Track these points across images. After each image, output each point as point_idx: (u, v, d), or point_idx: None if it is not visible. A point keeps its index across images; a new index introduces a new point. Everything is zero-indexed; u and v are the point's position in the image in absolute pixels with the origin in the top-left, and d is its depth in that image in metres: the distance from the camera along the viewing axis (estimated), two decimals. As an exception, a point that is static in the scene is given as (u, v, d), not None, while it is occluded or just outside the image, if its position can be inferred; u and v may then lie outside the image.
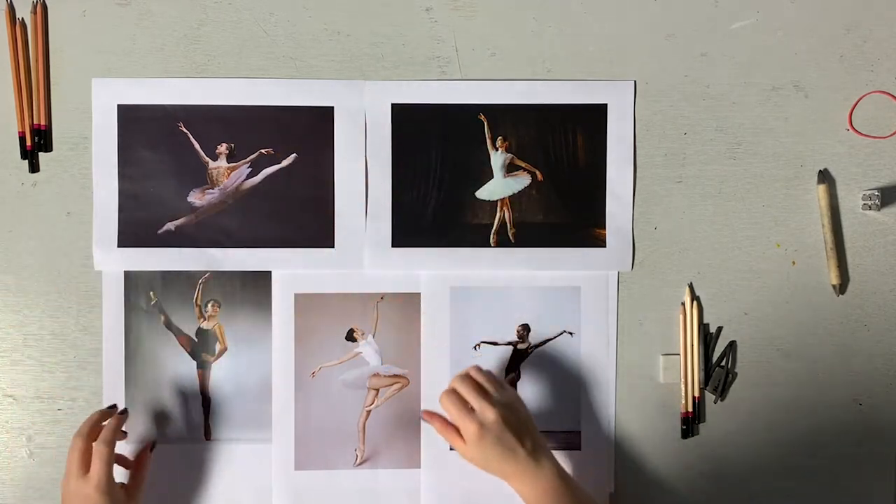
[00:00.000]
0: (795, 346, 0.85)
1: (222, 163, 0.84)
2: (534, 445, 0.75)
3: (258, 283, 0.84)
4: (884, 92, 0.85)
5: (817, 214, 0.85)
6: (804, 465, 0.85)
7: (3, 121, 0.83)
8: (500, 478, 0.75)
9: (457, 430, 0.76)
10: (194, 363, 0.84)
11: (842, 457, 0.86)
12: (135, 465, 0.81)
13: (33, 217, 0.83)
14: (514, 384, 0.85)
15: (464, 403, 0.75)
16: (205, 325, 0.84)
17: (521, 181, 0.85)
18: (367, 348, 0.85)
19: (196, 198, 0.84)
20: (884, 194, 0.84)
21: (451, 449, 0.82)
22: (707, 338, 0.85)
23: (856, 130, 0.85)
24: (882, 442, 0.86)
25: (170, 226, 0.84)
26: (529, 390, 0.85)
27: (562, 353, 0.85)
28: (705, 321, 0.86)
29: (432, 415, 0.78)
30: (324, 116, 0.84)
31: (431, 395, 0.84)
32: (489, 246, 0.85)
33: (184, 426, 0.84)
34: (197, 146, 0.84)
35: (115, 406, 0.80)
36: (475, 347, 0.85)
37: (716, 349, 0.85)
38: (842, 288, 0.85)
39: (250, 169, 0.84)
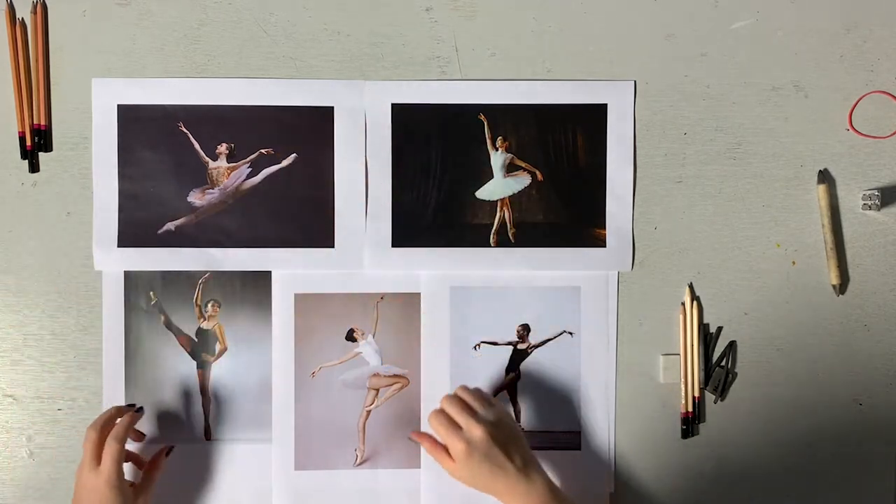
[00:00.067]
0: (795, 346, 0.85)
1: (222, 163, 0.84)
2: (524, 461, 0.75)
3: (258, 283, 0.84)
4: (884, 92, 0.85)
5: (817, 214, 0.85)
6: (804, 465, 0.85)
7: (3, 121, 0.83)
8: (491, 496, 0.75)
9: (446, 449, 0.76)
10: (194, 363, 0.84)
11: (842, 457, 0.85)
12: (148, 466, 0.81)
13: (33, 217, 0.83)
14: (513, 384, 0.85)
15: (452, 423, 0.75)
16: (205, 325, 0.84)
17: (521, 181, 0.85)
18: (367, 348, 0.85)
19: (196, 198, 0.84)
20: (884, 194, 0.84)
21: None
22: (707, 338, 0.85)
23: (856, 130, 0.85)
24: (882, 442, 0.86)
25: (170, 226, 0.84)
26: (529, 390, 0.85)
27: (562, 353, 0.85)
28: (705, 321, 0.86)
29: (422, 435, 0.79)
30: (324, 116, 0.84)
31: (431, 395, 0.84)
32: (489, 246, 0.84)
33: (184, 426, 0.84)
34: (197, 146, 0.84)
35: (133, 405, 0.81)
36: (475, 347, 0.85)
37: (716, 349, 0.85)
38: (842, 288, 0.85)
39: (250, 169, 0.84)
